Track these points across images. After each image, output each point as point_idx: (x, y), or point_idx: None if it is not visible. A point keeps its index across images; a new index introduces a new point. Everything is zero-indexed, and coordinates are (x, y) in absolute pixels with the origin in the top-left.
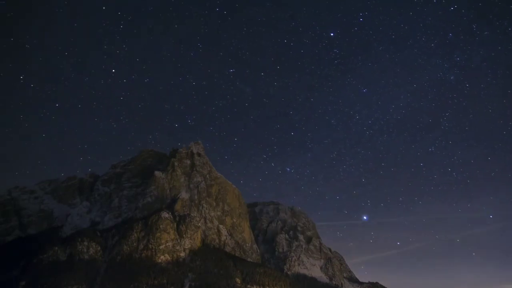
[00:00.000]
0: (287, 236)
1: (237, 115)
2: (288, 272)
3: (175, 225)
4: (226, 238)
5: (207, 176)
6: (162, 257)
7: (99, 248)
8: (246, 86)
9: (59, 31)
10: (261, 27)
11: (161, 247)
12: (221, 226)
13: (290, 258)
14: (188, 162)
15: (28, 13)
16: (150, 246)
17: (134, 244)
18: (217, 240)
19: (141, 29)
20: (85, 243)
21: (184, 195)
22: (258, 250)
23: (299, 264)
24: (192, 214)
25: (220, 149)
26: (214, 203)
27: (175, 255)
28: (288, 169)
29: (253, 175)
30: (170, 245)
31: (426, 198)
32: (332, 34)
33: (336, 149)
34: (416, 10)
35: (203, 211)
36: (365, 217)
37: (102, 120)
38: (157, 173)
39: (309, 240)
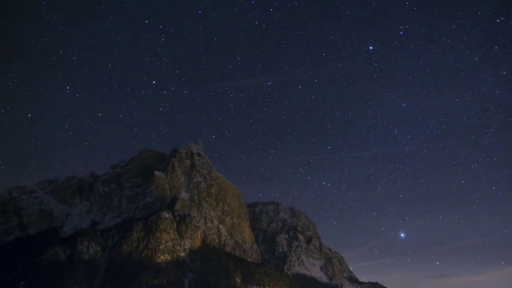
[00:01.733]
0: (287, 236)
1: (273, 128)
2: (288, 272)
3: (175, 225)
4: (226, 238)
5: (207, 176)
6: (162, 257)
7: (99, 248)
8: (283, 99)
9: (104, 44)
10: (299, 40)
11: (161, 247)
12: (221, 226)
13: (290, 258)
14: (188, 162)
15: (76, 28)
16: (150, 246)
17: (134, 244)
18: (217, 240)
19: (181, 42)
20: (85, 243)
21: (184, 195)
22: (258, 250)
23: (299, 264)
24: (192, 214)
25: (257, 161)
26: (214, 203)
27: (175, 255)
28: (324, 183)
29: (289, 189)
30: (170, 245)
31: (468, 217)
32: (371, 48)
33: (373, 164)
34: (459, 23)
35: (203, 211)
36: (402, 235)
37: (142, 130)
38: (157, 173)
39: (309, 240)
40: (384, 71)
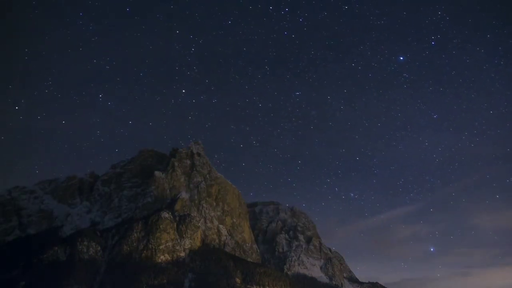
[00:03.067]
0: (287, 236)
1: (301, 138)
2: (288, 272)
3: (175, 225)
4: (226, 238)
5: (207, 176)
6: (162, 257)
7: (99, 248)
8: (312, 109)
9: (136, 54)
10: (328, 50)
11: (161, 247)
12: (221, 226)
13: (290, 258)
14: (188, 162)
15: (110, 38)
16: (150, 246)
17: (134, 244)
18: (217, 240)
19: (211, 52)
20: (85, 243)
21: (184, 195)
22: (258, 250)
23: (299, 264)
24: (192, 214)
25: (283, 171)
26: (214, 203)
27: (175, 255)
28: (352, 194)
29: (316, 199)
30: (170, 245)
31: (502, 232)
32: (401, 58)
33: (403, 176)
34: (495, 32)
35: (203, 211)
36: (432, 249)
37: (171, 138)
38: (157, 173)
39: (309, 240)
40: (414, 82)
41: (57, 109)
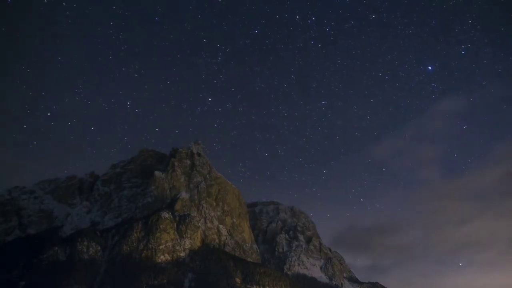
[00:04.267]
0: (287, 236)
1: (327, 148)
2: (288, 272)
3: (175, 225)
4: (226, 238)
5: (207, 176)
6: (162, 257)
7: (99, 248)
8: (337, 118)
9: (163, 62)
10: (355, 59)
11: (161, 247)
12: (221, 226)
13: (290, 258)
14: (188, 162)
15: (138, 46)
16: (150, 246)
17: (134, 244)
18: (217, 240)
19: (238, 61)
20: (85, 243)
21: (184, 195)
22: (258, 250)
23: (299, 264)
24: (192, 214)
25: (308, 180)
26: (214, 203)
27: (175, 255)
28: (377, 205)
29: (341, 209)
30: (170, 245)
31: None
32: (430, 68)
33: (430, 187)
34: None
35: (203, 211)
36: (460, 264)
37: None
38: (157, 173)
39: (309, 240)
40: (443, 92)
41: (87, 116)
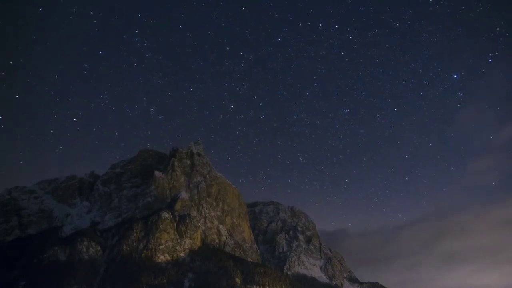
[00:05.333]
0: (287, 236)
1: (349, 156)
2: (288, 272)
3: (175, 225)
4: (226, 238)
5: (207, 176)
6: (162, 257)
7: (99, 248)
8: (360, 127)
9: (186, 69)
10: (378, 68)
11: (161, 247)
12: (221, 226)
13: (290, 258)
14: (188, 162)
15: (162, 53)
16: (150, 246)
17: (134, 244)
18: (217, 240)
19: (260, 68)
20: (85, 243)
21: (184, 195)
22: (258, 250)
23: (299, 264)
24: (192, 214)
25: (330, 189)
26: (214, 203)
27: (175, 255)
28: (400, 215)
29: (363, 219)
30: (170, 245)
31: None
32: (455, 76)
33: (454, 199)
34: None
35: (203, 211)
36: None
37: (219, 153)
38: (157, 173)
39: (309, 240)
40: (469, 101)
41: (111, 121)
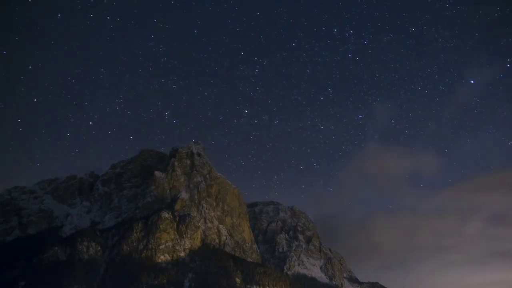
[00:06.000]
0: (287, 236)
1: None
2: (288, 272)
3: (175, 225)
4: (226, 238)
5: (207, 176)
6: (162, 257)
7: (99, 248)
8: (375, 132)
9: (201, 74)
10: (393, 73)
11: (161, 247)
12: (221, 226)
13: (290, 258)
14: (188, 162)
15: (177, 59)
16: (150, 246)
17: (134, 244)
18: (217, 240)
19: (274, 73)
20: (85, 243)
21: (184, 195)
22: (258, 250)
23: (299, 264)
24: (192, 214)
25: (345, 193)
26: (214, 203)
27: (175, 255)
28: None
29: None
30: (170, 245)
31: None
32: (472, 82)
33: (473, 202)
34: None
35: (203, 211)
36: None
37: (233, 157)
38: (157, 173)
39: (309, 240)
40: (486, 106)
41: (126, 125)
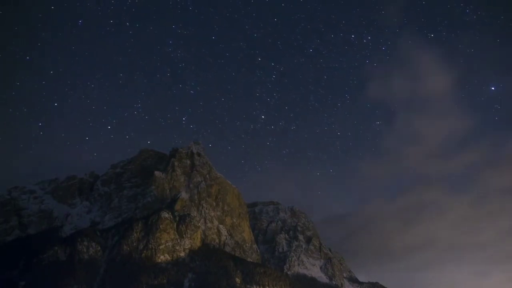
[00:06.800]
0: (287, 236)
1: (380, 169)
2: (288, 272)
3: (175, 225)
4: (226, 238)
5: (207, 176)
6: (162, 257)
7: (99, 248)
8: (392, 140)
9: (219, 80)
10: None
11: (161, 247)
12: (221, 226)
13: (290, 258)
14: (188, 162)
15: (195, 64)
16: (150, 246)
17: (134, 244)
18: (217, 240)
19: (291, 79)
20: (85, 243)
21: (184, 195)
22: (258, 250)
23: (299, 264)
24: (192, 214)
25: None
26: (214, 203)
27: (175, 255)
28: None
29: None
30: (170, 245)
31: None
32: (493, 88)
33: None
34: None
35: (203, 211)
36: None
37: (247, 163)
38: (157, 173)
39: (309, 240)
40: (508, 113)
41: (144, 130)
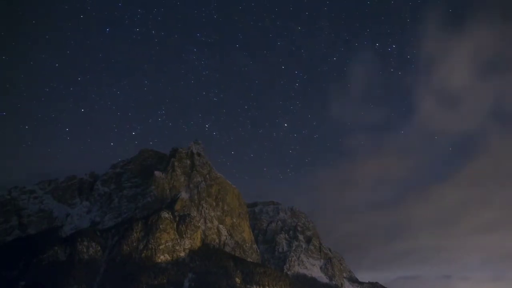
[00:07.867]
0: (287, 236)
1: (405, 178)
2: (288, 272)
3: (175, 225)
4: (226, 238)
5: (207, 176)
6: (162, 257)
7: (99, 248)
8: (417, 147)
9: (242, 87)
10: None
11: (161, 247)
12: (221, 226)
13: (290, 258)
14: (188, 162)
15: (219, 71)
16: (150, 246)
17: (134, 244)
18: (217, 240)
19: (314, 87)
20: (85, 243)
21: (184, 195)
22: (258, 250)
23: (299, 264)
24: (192, 214)
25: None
26: (214, 203)
27: (175, 255)
28: None
29: None
30: (170, 245)
31: None
32: None
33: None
34: None
35: (203, 211)
36: None
37: (269, 171)
38: (157, 173)
39: (309, 240)
40: None
41: (168, 136)
